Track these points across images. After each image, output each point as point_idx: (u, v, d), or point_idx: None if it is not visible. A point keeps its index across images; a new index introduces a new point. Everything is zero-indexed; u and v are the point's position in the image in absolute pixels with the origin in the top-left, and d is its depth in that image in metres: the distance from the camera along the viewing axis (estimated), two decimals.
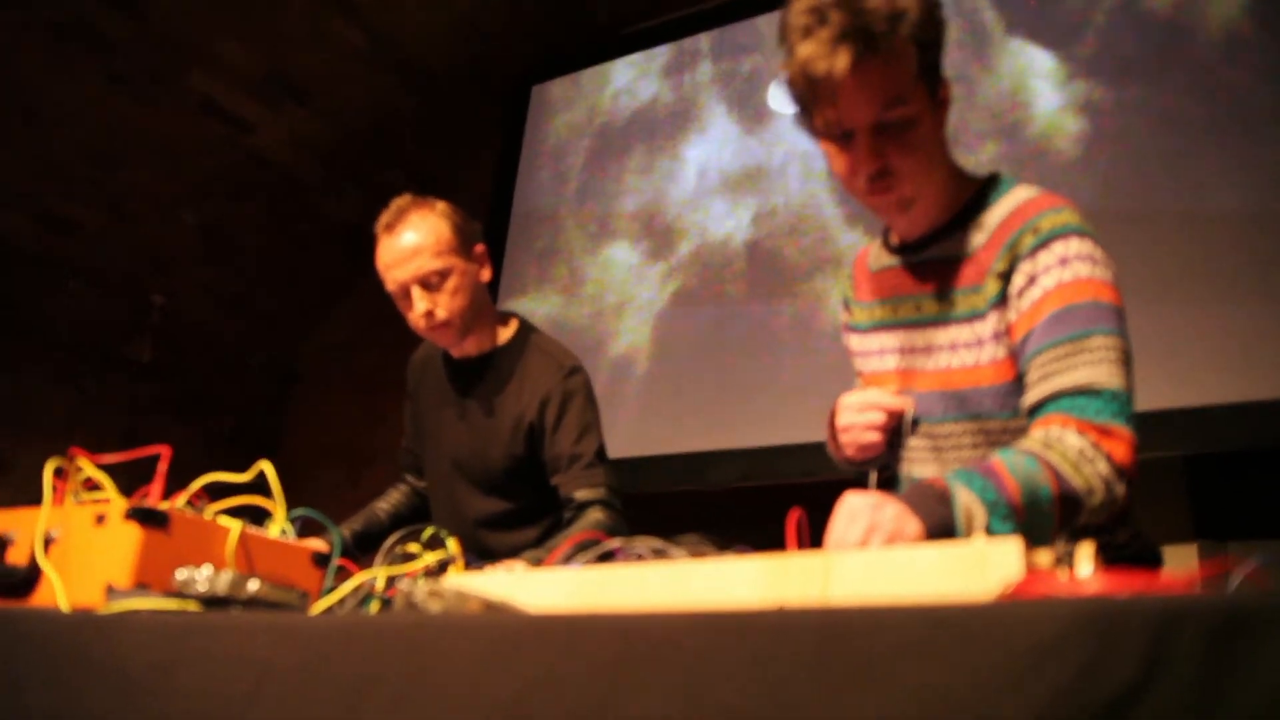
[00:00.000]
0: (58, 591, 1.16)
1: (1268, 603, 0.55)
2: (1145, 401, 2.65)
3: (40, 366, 4.12)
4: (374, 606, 1.10)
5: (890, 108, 1.30)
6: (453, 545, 1.30)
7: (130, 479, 1.32)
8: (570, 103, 4.60)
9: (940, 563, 0.84)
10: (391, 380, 4.89)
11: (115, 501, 1.21)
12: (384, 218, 2.05)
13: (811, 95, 1.31)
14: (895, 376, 1.52)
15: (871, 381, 1.59)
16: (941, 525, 1.10)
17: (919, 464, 1.51)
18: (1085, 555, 0.85)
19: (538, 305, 4.22)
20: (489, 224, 4.55)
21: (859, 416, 1.44)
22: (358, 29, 4.25)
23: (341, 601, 1.10)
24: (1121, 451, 1.23)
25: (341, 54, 4.31)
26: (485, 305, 2.14)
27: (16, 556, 1.22)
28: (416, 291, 2.00)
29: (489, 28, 4.60)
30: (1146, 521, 1.57)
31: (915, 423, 1.48)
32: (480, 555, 1.97)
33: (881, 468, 1.55)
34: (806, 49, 1.26)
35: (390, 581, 1.10)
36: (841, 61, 1.24)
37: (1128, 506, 1.43)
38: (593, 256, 4.20)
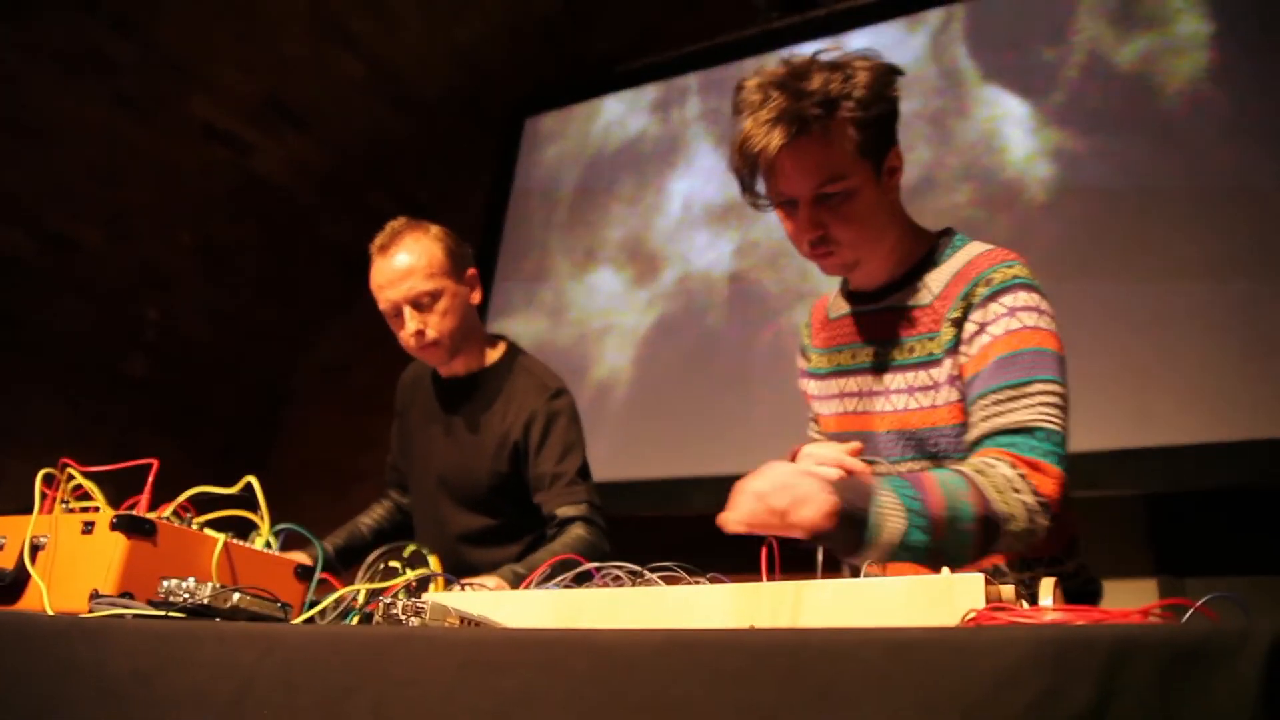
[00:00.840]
0: (43, 596, 1.17)
1: (1217, 634, 0.57)
2: (1109, 440, 2.72)
3: (36, 379, 4.12)
4: (355, 621, 1.11)
5: (828, 182, 1.39)
6: (434, 562, 1.31)
7: (120, 490, 1.34)
8: (561, 133, 4.67)
9: (907, 592, 0.87)
10: (382, 402, 4.87)
11: (103, 511, 1.23)
12: (378, 239, 2.09)
13: (750, 169, 1.42)
14: (853, 420, 1.57)
15: (829, 424, 1.64)
16: (854, 515, 1.14)
17: None
18: (1046, 588, 0.88)
19: (525, 327, 4.26)
20: (480, 249, 4.59)
21: (817, 468, 1.48)
22: (356, 58, 4.31)
23: (323, 614, 1.12)
24: (1049, 487, 1.28)
25: (340, 82, 4.36)
26: (475, 326, 2.18)
27: (4, 561, 1.23)
28: (408, 311, 2.04)
29: (485, 61, 4.66)
30: (1107, 557, 1.61)
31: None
32: (461, 571, 1.98)
33: None
34: (747, 125, 1.38)
35: (371, 596, 1.12)
36: (775, 141, 1.35)
37: (1075, 536, 1.52)
38: (578, 282, 4.26)
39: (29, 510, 1.25)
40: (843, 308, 1.63)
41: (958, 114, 3.42)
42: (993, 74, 3.41)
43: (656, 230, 4.09)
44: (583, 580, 1.05)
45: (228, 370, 4.92)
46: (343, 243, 4.78)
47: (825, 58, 1.39)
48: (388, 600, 0.91)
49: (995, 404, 1.33)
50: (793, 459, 1.56)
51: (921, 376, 1.46)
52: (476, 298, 2.15)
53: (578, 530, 1.92)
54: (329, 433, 4.99)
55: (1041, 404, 1.32)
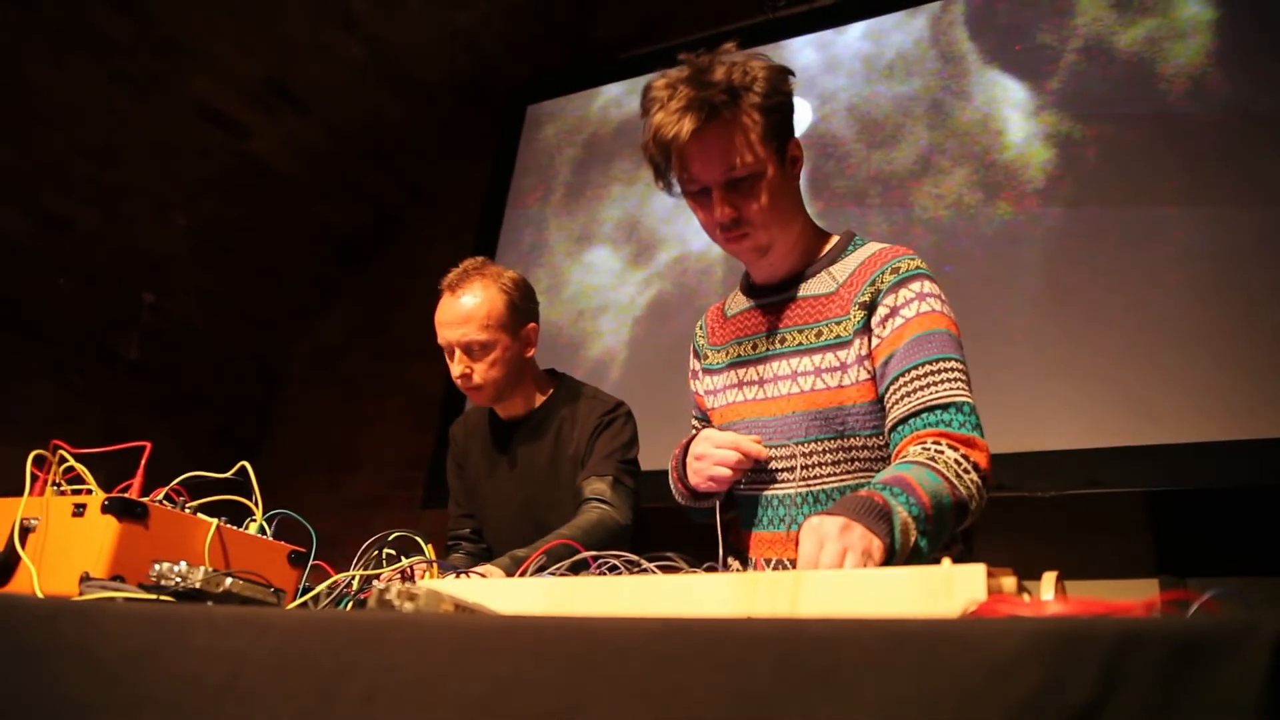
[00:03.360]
0: (33, 579, 1.16)
1: (1222, 627, 0.56)
2: (1110, 438, 2.69)
3: (29, 361, 4.11)
4: (349, 606, 1.10)
5: (737, 165, 1.49)
6: (429, 550, 1.31)
7: (113, 474, 1.33)
8: (560, 111, 4.67)
9: (907, 583, 0.86)
10: (378, 387, 4.91)
11: (95, 493, 1.22)
12: (450, 275, 2.15)
13: (665, 158, 1.51)
14: (750, 406, 1.63)
15: (723, 415, 1.69)
16: (889, 541, 1.17)
17: (781, 484, 1.58)
18: (1048, 582, 0.87)
19: None
20: (479, 230, 4.58)
21: (717, 451, 1.52)
22: (357, 40, 4.29)
23: (316, 599, 1.11)
24: (985, 460, 1.37)
25: (340, 64, 4.33)
26: (525, 373, 2.23)
27: None
28: (458, 354, 2.12)
29: (486, 45, 4.65)
30: (1108, 556, 1.63)
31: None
32: None
33: (720, 503, 1.62)
34: (658, 118, 1.49)
35: (365, 582, 1.11)
36: (686, 127, 1.45)
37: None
38: (575, 260, 4.26)
39: (19, 492, 1.24)
40: (743, 303, 1.73)
41: (957, 97, 3.42)
42: (992, 57, 3.40)
43: (654, 209, 4.09)
44: (579, 569, 1.05)
45: (223, 354, 4.91)
46: (340, 226, 4.76)
47: (724, 58, 1.50)
48: (381, 586, 0.90)
49: (916, 380, 1.44)
50: (684, 448, 1.59)
51: (829, 358, 1.54)
52: (531, 353, 2.20)
53: (591, 512, 1.95)
54: (324, 417, 4.98)
55: (958, 380, 1.43)
